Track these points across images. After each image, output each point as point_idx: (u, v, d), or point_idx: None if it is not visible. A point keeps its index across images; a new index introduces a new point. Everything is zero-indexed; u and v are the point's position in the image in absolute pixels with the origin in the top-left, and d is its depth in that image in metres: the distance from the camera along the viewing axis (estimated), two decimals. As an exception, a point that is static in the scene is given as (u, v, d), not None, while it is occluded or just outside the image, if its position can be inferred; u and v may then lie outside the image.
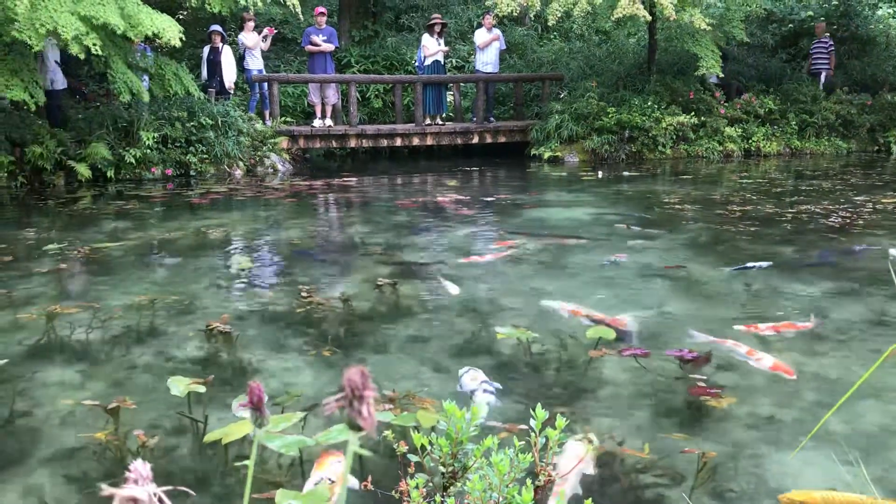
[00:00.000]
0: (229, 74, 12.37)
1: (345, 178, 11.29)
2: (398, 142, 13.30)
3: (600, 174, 11.14)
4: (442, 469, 1.98)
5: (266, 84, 12.73)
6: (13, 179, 9.74)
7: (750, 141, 13.26)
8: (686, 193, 9.05)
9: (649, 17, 11.76)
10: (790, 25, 16.15)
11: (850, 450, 2.65)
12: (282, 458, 2.65)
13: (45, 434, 2.91)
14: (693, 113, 12.90)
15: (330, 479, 2.37)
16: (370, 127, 13.36)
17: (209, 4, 10.03)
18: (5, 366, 3.61)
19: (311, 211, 8.77)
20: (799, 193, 9.02)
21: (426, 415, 2.82)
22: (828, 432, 2.82)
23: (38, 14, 8.17)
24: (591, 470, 2.53)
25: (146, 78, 10.62)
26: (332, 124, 13.00)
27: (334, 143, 13.07)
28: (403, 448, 2.08)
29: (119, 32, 8.81)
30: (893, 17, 17.96)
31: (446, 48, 13.78)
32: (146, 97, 9.94)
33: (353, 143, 13.08)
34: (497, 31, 13.55)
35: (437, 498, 1.93)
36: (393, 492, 2.06)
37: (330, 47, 12.80)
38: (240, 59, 12.93)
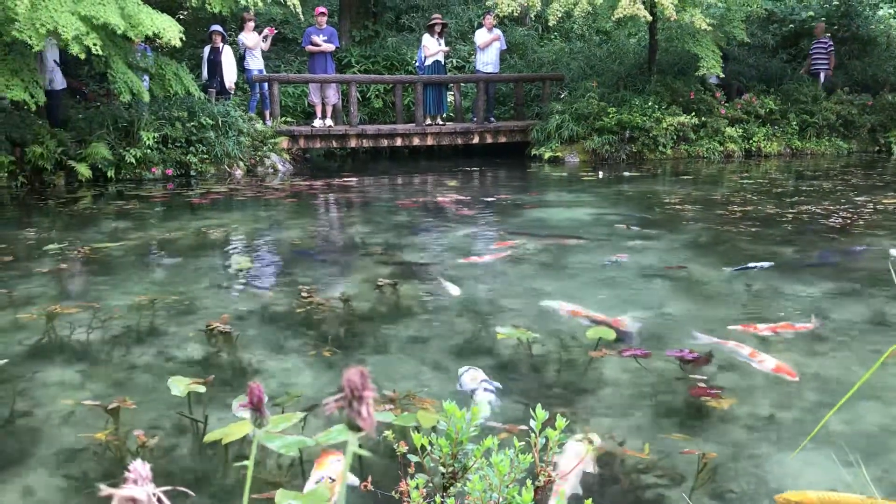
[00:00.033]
0: (230, 74, 12.36)
1: (345, 178, 11.29)
2: (398, 142, 13.29)
3: (601, 174, 11.14)
4: (442, 469, 1.97)
5: (266, 84, 12.74)
6: (13, 179, 9.74)
7: (750, 141, 13.26)
8: (687, 194, 9.05)
9: (650, 18, 11.76)
10: (791, 26, 16.14)
11: (851, 450, 2.65)
12: (282, 459, 2.65)
13: (45, 434, 2.91)
14: (694, 113, 12.90)
15: (330, 478, 2.37)
16: (370, 127, 13.36)
17: (209, 4, 10.03)
18: (5, 366, 3.60)
19: (312, 211, 8.77)
20: (799, 194, 9.01)
21: (426, 415, 2.81)
22: (828, 433, 2.82)
23: (38, 14, 8.17)
24: (591, 470, 2.53)
25: (146, 78, 10.62)
26: (332, 124, 13.00)
27: (335, 143, 13.07)
28: (403, 448, 2.08)
29: (119, 32, 8.81)
30: (894, 18, 17.95)
31: (447, 48, 13.77)
32: (146, 97, 9.94)
33: (353, 143, 13.08)
34: (497, 32, 13.54)
35: (437, 498, 1.93)
36: (393, 492, 2.06)
37: (330, 47, 12.80)
38: (240, 59, 12.92)
